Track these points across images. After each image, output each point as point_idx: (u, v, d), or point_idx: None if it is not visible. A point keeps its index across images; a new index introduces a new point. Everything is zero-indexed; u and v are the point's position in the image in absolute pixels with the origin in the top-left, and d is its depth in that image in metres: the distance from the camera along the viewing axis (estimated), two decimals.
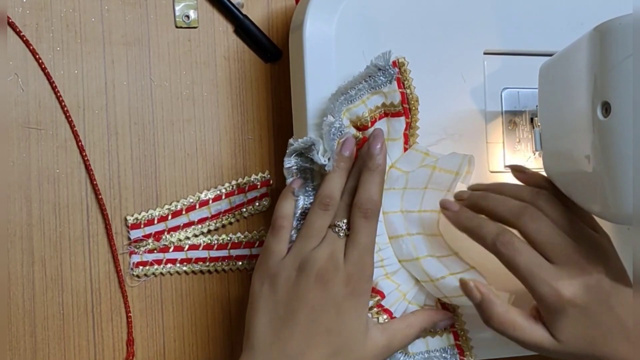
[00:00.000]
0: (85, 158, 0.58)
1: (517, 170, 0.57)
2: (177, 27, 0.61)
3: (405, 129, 0.56)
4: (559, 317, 0.51)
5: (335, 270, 0.51)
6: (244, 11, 0.62)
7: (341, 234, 0.52)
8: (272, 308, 0.51)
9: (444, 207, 0.55)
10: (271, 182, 0.62)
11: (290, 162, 0.53)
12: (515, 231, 0.52)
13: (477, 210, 0.54)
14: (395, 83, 0.54)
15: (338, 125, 0.52)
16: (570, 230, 0.52)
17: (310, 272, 0.50)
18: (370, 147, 0.53)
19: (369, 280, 0.52)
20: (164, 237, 0.59)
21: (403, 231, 0.55)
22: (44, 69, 0.57)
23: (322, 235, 0.52)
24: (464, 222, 0.54)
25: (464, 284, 0.53)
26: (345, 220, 0.52)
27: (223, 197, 0.61)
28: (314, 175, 0.54)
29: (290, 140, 0.53)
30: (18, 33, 0.57)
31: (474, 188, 0.56)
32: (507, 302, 0.53)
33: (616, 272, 0.52)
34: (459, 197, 0.56)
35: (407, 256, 0.55)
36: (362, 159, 0.53)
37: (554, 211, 0.52)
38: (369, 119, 0.54)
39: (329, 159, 0.52)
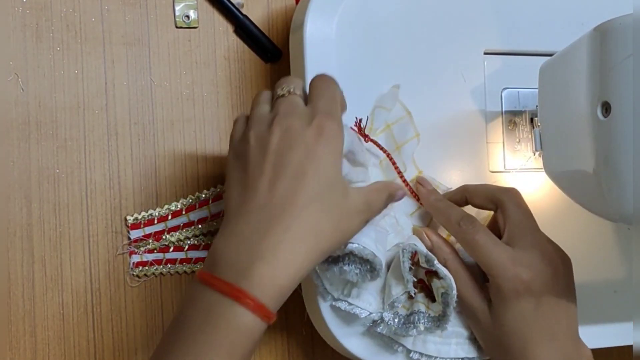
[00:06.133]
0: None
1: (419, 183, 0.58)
2: (177, 27, 0.61)
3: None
4: (508, 302, 0.52)
5: (299, 114, 0.47)
6: (244, 11, 0.62)
7: (295, 92, 0.49)
8: (242, 168, 0.47)
9: (420, 182, 0.57)
10: None
11: None
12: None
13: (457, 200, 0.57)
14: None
15: None
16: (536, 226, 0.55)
17: (274, 123, 0.47)
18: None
19: (340, 125, 0.48)
20: (164, 237, 0.59)
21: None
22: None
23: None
24: (433, 201, 0.56)
25: (416, 232, 0.56)
26: (292, 85, 0.49)
27: (223, 197, 0.61)
28: None
29: None
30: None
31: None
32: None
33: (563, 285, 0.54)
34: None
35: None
36: None
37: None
38: None
39: None
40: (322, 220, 0.45)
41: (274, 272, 0.43)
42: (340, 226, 0.46)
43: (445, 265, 0.53)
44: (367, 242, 0.50)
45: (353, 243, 0.49)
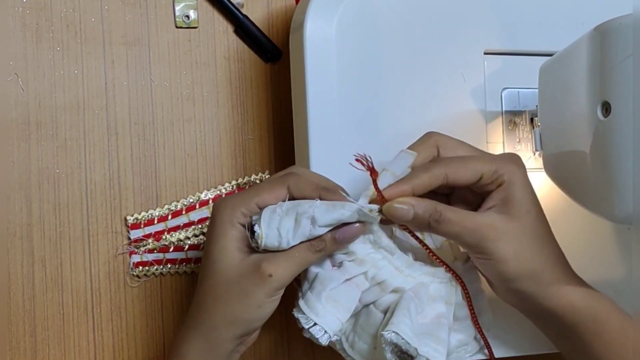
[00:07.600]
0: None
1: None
2: (177, 27, 0.61)
3: None
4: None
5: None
6: (244, 11, 0.62)
7: None
8: None
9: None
10: None
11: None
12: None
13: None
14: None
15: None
16: None
17: None
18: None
19: (222, 201, 0.50)
20: (164, 237, 0.59)
21: None
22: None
23: None
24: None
25: (389, 209, 0.48)
26: None
27: (223, 197, 0.60)
28: None
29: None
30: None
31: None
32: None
33: None
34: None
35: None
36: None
37: None
38: None
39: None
40: (216, 307, 0.48)
41: None
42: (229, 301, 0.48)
43: (440, 218, 0.48)
44: (316, 307, 0.49)
45: (309, 321, 0.49)
